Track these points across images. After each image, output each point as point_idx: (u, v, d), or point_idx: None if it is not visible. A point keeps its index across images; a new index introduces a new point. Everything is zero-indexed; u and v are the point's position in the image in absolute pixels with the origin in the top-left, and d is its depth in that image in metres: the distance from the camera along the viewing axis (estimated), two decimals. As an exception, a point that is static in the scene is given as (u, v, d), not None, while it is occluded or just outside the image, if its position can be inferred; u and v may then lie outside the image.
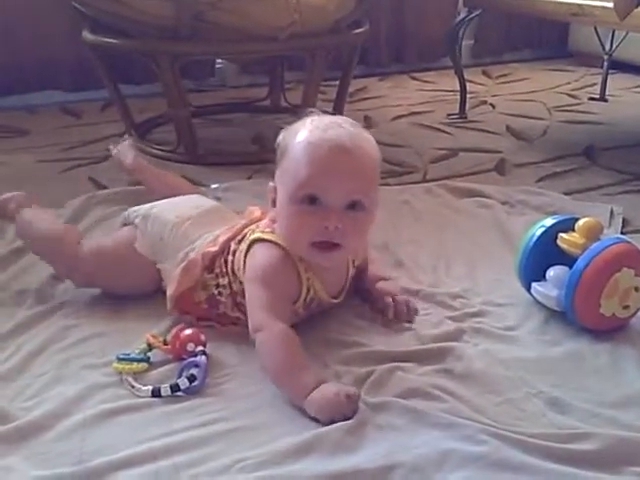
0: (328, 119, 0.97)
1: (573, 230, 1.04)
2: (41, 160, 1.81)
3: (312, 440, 0.80)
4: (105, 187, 1.60)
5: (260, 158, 1.80)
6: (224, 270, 1.02)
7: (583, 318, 1.01)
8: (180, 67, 1.72)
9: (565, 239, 1.04)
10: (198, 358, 0.93)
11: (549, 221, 1.08)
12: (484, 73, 2.82)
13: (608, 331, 1.01)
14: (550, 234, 1.06)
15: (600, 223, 1.05)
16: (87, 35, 1.81)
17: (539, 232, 1.07)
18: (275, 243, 0.97)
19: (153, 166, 1.45)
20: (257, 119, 2.19)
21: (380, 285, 1.08)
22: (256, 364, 0.93)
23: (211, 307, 1.03)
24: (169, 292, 1.04)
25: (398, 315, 1.04)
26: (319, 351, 0.96)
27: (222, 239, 1.04)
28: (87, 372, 0.94)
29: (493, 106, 2.35)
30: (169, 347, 0.96)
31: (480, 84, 2.64)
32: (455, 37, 2.12)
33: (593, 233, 1.02)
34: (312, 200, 0.93)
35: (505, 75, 2.81)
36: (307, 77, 1.82)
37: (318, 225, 0.92)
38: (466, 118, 2.19)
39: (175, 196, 1.19)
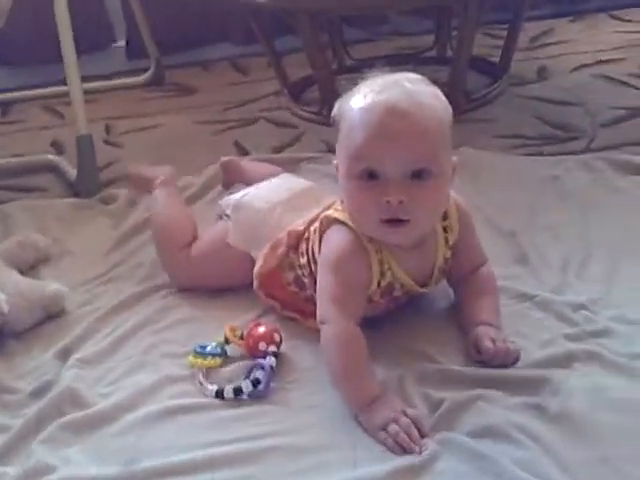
0: (386, 78, 0.86)
1: None
2: (197, 121, 1.84)
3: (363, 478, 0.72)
4: (247, 153, 1.59)
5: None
6: (303, 249, 0.97)
7: None
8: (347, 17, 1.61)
9: None
10: (266, 360, 0.88)
11: None
12: None
13: None
14: None
15: None
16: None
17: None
18: (345, 224, 0.89)
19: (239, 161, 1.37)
20: (419, 72, 2.04)
21: (481, 330, 0.88)
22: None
23: (299, 289, 0.99)
24: (256, 269, 1.01)
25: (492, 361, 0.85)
26: (395, 361, 0.87)
27: (309, 218, 0.99)
28: (165, 362, 0.94)
29: None
30: (244, 342, 0.93)
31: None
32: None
33: None
34: (371, 174, 0.83)
35: None
36: (461, 22, 1.63)
37: (379, 201, 0.82)
38: (667, 68, 1.84)
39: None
